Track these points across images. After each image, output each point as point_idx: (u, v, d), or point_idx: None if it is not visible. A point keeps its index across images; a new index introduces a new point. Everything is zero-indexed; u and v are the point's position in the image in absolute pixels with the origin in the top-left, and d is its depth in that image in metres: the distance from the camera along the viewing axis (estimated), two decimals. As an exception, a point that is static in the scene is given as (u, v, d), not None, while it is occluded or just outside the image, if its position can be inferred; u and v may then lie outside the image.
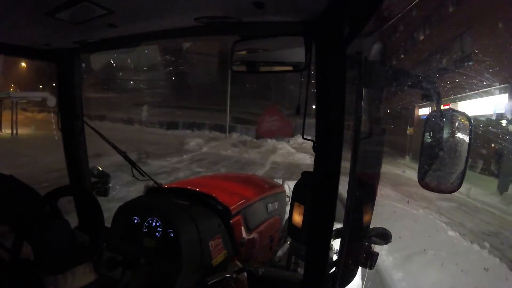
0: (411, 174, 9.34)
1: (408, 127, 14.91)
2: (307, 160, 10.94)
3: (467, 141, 0.96)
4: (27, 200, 0.92)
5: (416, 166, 0.97)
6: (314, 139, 0.87)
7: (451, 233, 4.49)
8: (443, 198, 6.29)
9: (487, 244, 4.27)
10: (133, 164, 1.59)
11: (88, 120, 1.51)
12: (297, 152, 12.46)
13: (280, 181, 2.39)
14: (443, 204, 6.29)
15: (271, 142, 15.18)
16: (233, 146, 14.14)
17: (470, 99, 10.31)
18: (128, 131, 15.77)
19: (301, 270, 1.59)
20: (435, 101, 1.05)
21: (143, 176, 1.61)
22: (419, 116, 14.05)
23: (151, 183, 1.69)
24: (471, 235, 4.65)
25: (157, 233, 1.22)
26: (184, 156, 11.11)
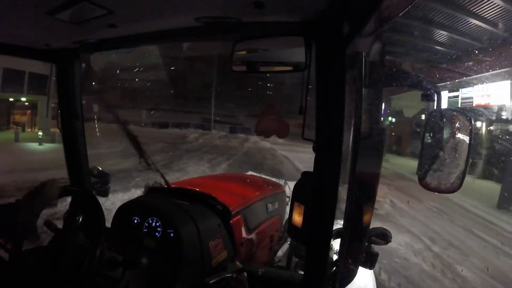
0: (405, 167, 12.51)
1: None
2: (267, 145, 16.37)
3: (467, 141, 0.96)
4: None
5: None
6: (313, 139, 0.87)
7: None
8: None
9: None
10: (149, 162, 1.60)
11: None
12: (261, 141, 18.61)
13: (282, 182, 2.39)
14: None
15: (241, 135, 21.41)
16: (219, 138, 20.33)
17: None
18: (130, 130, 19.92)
19: (301, 270, 1.59)
20: (435, 101, 1.05)
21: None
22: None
23: (151, 183, 1.69)
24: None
25: (157, 233, 1.22)
26: (194, 144, 16.75)
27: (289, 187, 2.28)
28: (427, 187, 1.00)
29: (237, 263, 1.20)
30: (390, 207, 6.69)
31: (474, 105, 10.14)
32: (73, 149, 1.51)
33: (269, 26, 0.92)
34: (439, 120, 0.99)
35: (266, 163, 11.54)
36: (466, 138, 0.96)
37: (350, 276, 1.04)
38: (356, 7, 0.74)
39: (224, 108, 25.46)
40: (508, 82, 8.79)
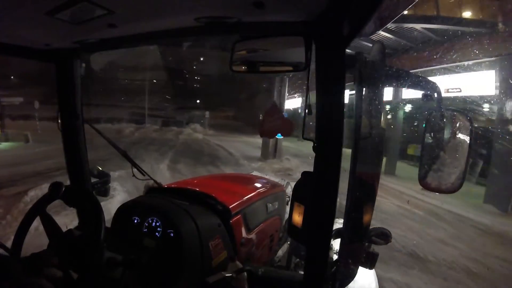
0: (304, 147, 14.66)
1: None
2: (200, 136, 18.65)
3: (468, 141, 0.96)
4: None
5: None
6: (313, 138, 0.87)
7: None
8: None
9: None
10: (133, 163, 1.59)
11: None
12: (194, 133, 20.43)
13: (284, 182, 2.39)
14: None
15: (174, 127, 22.49)
16: (154, 131, 20.93)
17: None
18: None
19: (301, 270, 1.59)
20: (436, 100, 1.05)
21: (143, 175, 1.61)
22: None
23: (151, 182, 1.69)
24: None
25: (157, 233, 1.22)
26: (131, 137, 17.40)
27: (291, 186, 2.28)
28: (427, 187, 1.00)
29: (237, 263, 1.20)
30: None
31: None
32: (73, 149, 1.51)
33: (269, 26, 0.92)
34: (439, 120, 0.99)
35: (204, 150, 13.77)
36: (467, 138, 0.96)
37: (350, 276, 1.04)
38: (356, 7, 0.74)
39: (154, 102, 26.33)
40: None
